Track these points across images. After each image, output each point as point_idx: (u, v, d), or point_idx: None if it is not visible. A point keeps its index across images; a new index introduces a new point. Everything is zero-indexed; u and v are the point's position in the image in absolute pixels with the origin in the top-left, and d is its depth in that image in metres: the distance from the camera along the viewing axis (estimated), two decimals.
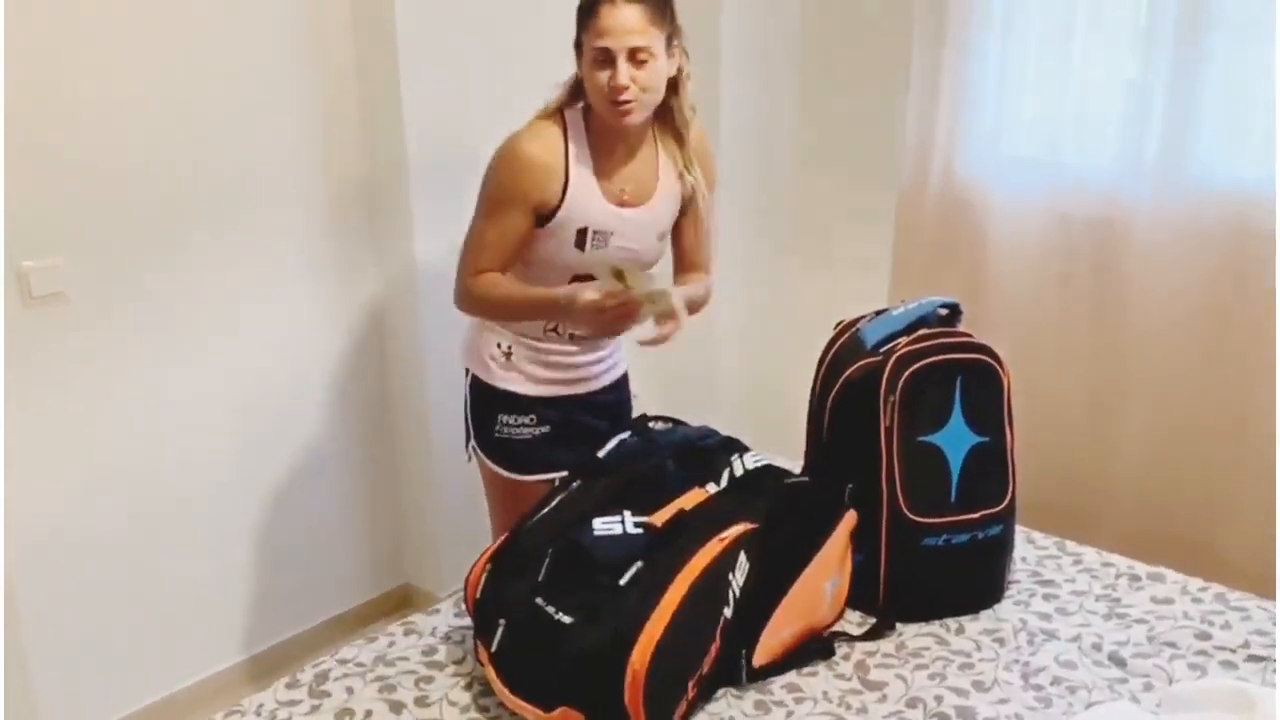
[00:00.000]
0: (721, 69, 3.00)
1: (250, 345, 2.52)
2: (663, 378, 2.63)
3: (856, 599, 1.76)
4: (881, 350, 1.78)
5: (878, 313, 1.91)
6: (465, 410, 2.08)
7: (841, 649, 1.66)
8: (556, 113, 1.89)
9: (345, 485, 2.81)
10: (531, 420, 2.00)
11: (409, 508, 2.92)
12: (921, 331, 1.81)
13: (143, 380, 2.35)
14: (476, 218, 1.89)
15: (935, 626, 1.73)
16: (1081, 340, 2.80)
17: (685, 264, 2.09)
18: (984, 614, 1.77)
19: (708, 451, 1.74)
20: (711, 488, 1.67)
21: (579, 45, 1.83)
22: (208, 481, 2.51)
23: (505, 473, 2.03)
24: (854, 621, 1.75)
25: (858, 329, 1.87)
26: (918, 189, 2.95)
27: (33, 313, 2.14)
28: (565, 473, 1.90)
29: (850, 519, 1.71)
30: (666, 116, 1.92)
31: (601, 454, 1.74)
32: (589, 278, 1.88)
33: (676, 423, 1.88)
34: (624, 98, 1.78)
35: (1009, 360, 1.82)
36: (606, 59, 1.76)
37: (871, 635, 1.70)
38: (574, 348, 2.01)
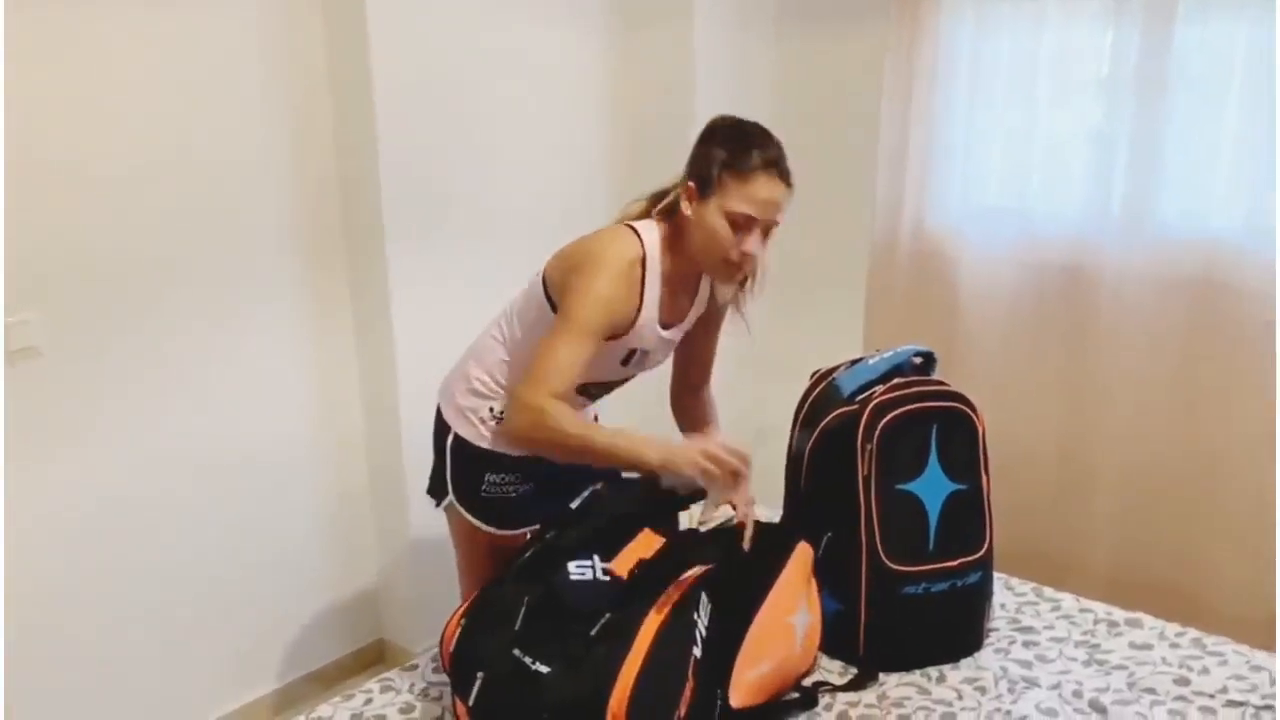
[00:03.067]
0: (697, 124, 3.04)
1: (226, 402, 2.51)
2: (640, 428, 2.64)
3: (837, 648, 1.76)
4: (858, 399, 1.79)
5: (853, 362, 1.92)
6: (444, 468, 2.06)
7: (824, 699, 1.65)
8: (634, 232, 1.80)
9: (320, 540, 2.78)
10: (517, 478, 1.99)
11: (383, 563, 2.89)
12: (897, 380, 1.82)
13: (116, 436, 2.33)
14: (560, 332, 1.72)
15: (916, 676, 1.73)
16: (1053, 386, 2.83)
17: (698, 376, 2.06)
18: (964, 662, 1.77)
19: (668, 498, 1.74)
20: (666, 533, 1.67)
21: (704, 187, 1.74)
22: (181, 539, 2.48)
23: (491, 529, 2.02)
24: (835, 671, 1.74)
25: (834, 378, 1.88)
26: (890, 239, 3.00)
27: (4, 367, 2.13)
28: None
29: (805, 549, 1.72)
30: None
31: (574, 504, 1.74)
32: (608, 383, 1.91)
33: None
34: (748, 265, 1.76)
35: (982, 408, 1.84)
36: (746, 224, 1.72)
37: (853, 685, 1.70)
38: None
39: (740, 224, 1.72)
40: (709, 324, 2.02)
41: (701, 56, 3.02)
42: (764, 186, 1.71)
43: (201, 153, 2.37)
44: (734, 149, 1.73)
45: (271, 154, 2.50)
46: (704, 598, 1.53)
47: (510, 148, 2.86)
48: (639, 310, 1.79)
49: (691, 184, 1.77)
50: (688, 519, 1.73)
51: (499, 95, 2.81)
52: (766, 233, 1.76)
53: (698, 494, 1.71)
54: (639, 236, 1.80)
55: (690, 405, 2.10)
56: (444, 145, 2.69)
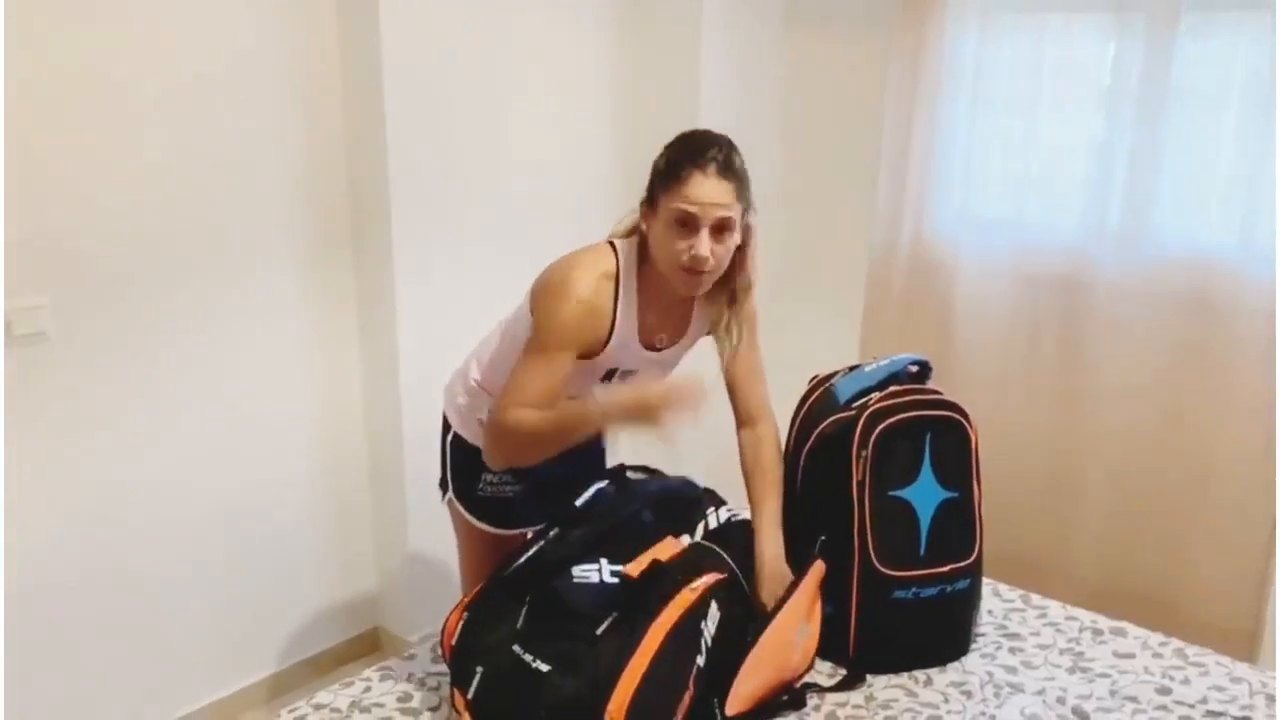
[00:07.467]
0: (702, 126, 3.07)
1: (230, 390, 2.53)
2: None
3: (827, 650, 1.79)
4: (854, 406, 1.82)
5: (851, 369, 1.95)
6: (444, 462, 2.08)
7: (812, 700, 1.68)
8: (611, 246, 1.80)
9: (319, 528, 2.80)
10: (514, 477, 2.01)
11: (381, 552, 2.92)
12: (893, 388, 1.85)
13: (122, 422, 2.35)
14: (528, 353, 1.75)
15: (904, 678, 1.76)
16: (1045, 398, 2.86)
17: (747, 415, 1.95)
18: (951, 666, 1.80)
19: (685, 503, 1.77)
20: (686, 539, 1.69)
21: (652, 203, 1.73)
22: (183, 524, 2.50)
23: (488, 528, 2.04)
24: (825, 672, 1.77)
25: (832, 384, 1.91)
26: (889, 249, 3.02)
27: (13, 352, 2.15)
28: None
29: (819, 569, 1.74)
30: (723, 280, 1.80)
31: (579, 502, 1.76)
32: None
33: (653, 473, 1.90)
34: (701, 269, 1.69)
35: (975, 417, 1.86)
36: (689, 225, 1.66)
37: (842, 687, 1.73)
38: None
39: (684, 222, 1.67)
40: (736, 361, 1.91)
41: (708, 61, 3.04)
42: (698, 184, 1.66)
43: (212, 147, 2.39)
44: (671, 157, 1.72)
45: (282, 152, 2.51)
46: (714, 606, 1.53)
47: (518, 147, 2.88)
48: (611, 329, 1.77)
49: (644, 204, 1.76)
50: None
51: (507, 94, 2.83)
52: (720, 233, 1.69)
53: (714, 498, 1.74)
54: (615, 254, 1.78)
55: (745, 444, 1.93)
56: (453, 144, 2.70)
